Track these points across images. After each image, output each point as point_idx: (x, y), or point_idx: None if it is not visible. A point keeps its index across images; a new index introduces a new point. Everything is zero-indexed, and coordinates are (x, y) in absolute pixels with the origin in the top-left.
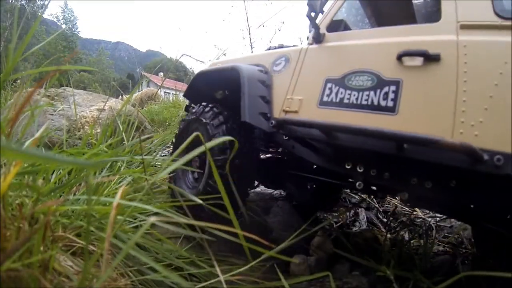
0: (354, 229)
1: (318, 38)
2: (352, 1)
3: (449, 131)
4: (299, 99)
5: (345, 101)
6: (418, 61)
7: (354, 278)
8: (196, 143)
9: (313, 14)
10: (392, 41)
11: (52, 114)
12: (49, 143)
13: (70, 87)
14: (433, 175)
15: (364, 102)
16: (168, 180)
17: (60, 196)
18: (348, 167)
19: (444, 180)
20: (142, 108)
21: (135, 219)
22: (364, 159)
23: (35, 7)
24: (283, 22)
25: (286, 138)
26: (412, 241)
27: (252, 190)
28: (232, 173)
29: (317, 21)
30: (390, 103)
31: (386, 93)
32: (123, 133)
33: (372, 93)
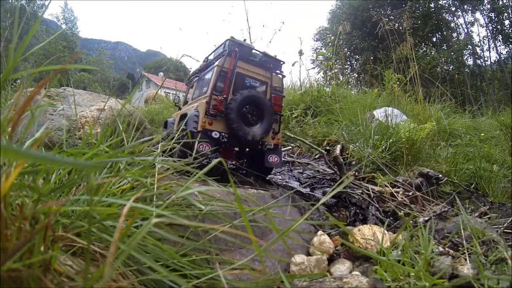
0: (354, 228)
1: (179, 109)
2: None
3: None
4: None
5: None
6: (180, 115)
7: (354, 278)
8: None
9: (175, 102)
10: (183, 110)
11: (52, 114)
12: (49, 143)
13: (70, 87)
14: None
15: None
16: None
17: (60, 196)
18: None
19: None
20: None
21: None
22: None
23: (35, 7)
24: (283, 22)
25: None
26: (411, 241)
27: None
28: None
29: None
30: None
31: (182, 119)
32: (123, 133)
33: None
